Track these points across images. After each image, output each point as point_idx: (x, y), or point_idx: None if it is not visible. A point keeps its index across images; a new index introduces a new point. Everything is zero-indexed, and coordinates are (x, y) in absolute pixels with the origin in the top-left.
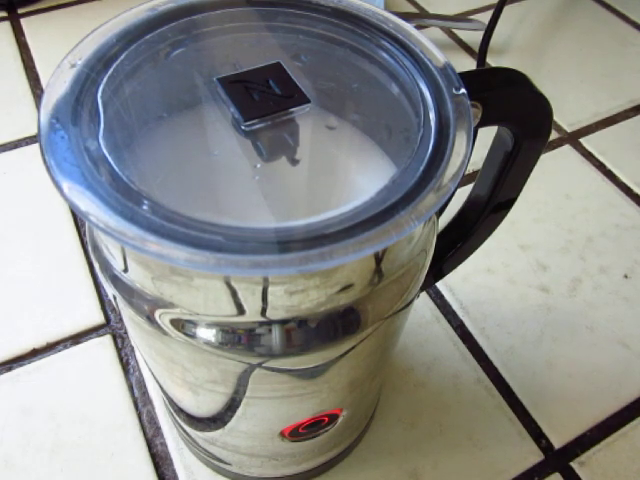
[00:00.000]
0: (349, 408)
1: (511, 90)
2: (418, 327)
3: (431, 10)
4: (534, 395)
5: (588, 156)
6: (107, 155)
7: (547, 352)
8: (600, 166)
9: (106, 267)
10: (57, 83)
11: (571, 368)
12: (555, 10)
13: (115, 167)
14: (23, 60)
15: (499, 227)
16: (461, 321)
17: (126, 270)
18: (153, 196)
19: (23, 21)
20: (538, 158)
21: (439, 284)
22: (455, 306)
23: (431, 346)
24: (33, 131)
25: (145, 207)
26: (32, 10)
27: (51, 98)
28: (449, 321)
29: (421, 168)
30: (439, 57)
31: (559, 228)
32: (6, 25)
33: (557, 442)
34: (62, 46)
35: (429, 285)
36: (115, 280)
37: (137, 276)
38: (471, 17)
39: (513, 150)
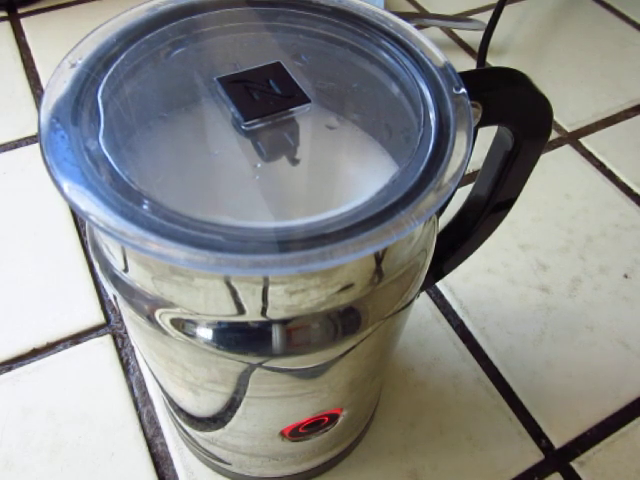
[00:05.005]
0: (349, 408)
1: (511, 90)
2: (418, 327)
3: (431, 10)
4: (534, 395)
5: (588, 156)
6: (107, 155)
7: (547, 352)
8: (600, 166)
9: (106, 267)
10: (57, 83)
11: (571, 368)
12: (555, 10)
13: (115, 167)
14: (23, 60)
15: (499, 227)
16: (461, 321)
17: (126, 270)
18: (153, 196)
19: (23, 21)
20: (538, 158)
21: (439, 284)
22: (455, 306)
23: (431, 346)
24: (33, 131)
25: (145, 207)
26: (32, 10)
27: (51, 98)
28: (449, 321)
29: (421, 168)
30: (439, 57)
31: (559, 228)
32: (6, 25)
33: (557, 442)
34: (62, 46)
35: (429, 285)
36: (115, 280)
37: (137, 276)
38: (471, 17)
39: (513, 150)
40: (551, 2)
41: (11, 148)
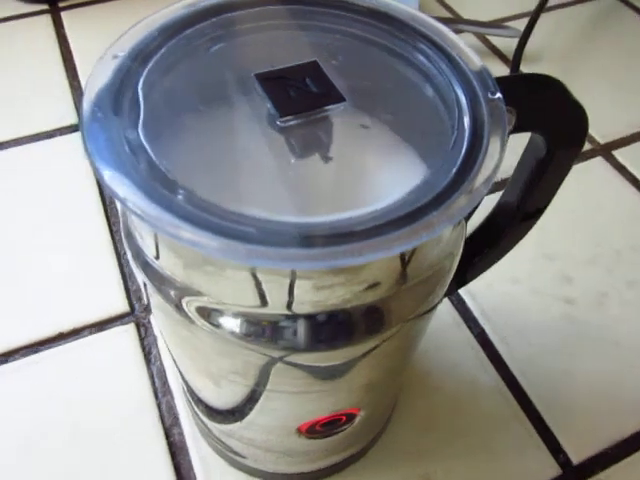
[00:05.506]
0: (367, 408)
1: (547, 96)
2: (438, 332)
3: (465, 16)
4: (554, 407)
5: (620, 169)
6: (146, 145)
7: (569, 364)
8: (632, 180)
9: (138, 254)
10: (100, 73)
11: (593, 382)
12: (592, 19)
13: (153, 156)
14: (62, 52)
15: (525, 236)
16: (482, 328)
17: (158, 257)
18: (188, 186)
19: (63, 14)
20: (570, 167)
21: (461, 290)
22: (476, 313)
23: (450, 351)
24: (68, 122)
25: (181, 196)
26: (72, 4)
27: (93, 88)
28: (469, 327)
29: (454, 170)
30: (475, 61)
31: (587, 240)
32: (47, 18)
33: (575, 458)
34: (100, 40)
35: (452, 292)
36: (146, 267)
37: (168, 264)
38: (505, 24)
39: (546, 158)
40: (588, 11)
41: (46, 138)
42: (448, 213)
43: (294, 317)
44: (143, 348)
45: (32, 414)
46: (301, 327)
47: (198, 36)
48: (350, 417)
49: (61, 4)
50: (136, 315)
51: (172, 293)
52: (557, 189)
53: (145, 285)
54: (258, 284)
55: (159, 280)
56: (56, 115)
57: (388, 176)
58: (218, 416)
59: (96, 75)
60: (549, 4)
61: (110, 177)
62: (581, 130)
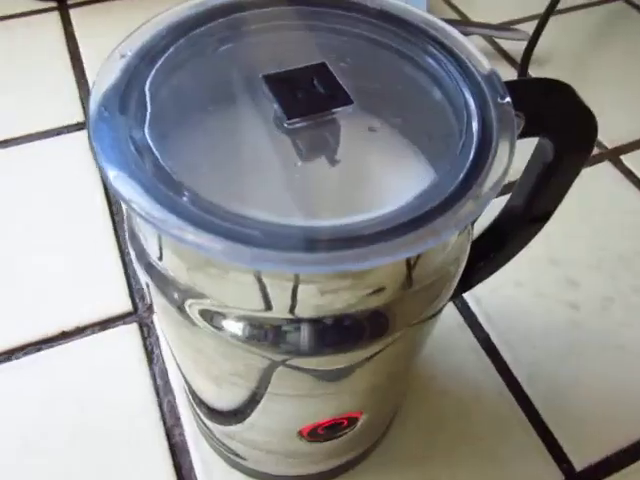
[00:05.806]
0: (369, 412)
1: (555, 101)
2: (442, 335)
3: (474, 18)
4: (557, 413)
5: (628, 174)
6: (151, 145)
7: (573, 369)
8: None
9: (142, 255)
10: (107, 73)
11: (597, 387)
12: (601, 23)
13: (159, 157)
14: (69, 50)
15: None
16: (486, 332)
17: (161, 259)
18: (194, 188)
19: (72, 12)
20: (579, 172)
21: (466, 294)
22: (481, 317)
23: (454, 356)
24: (75, 120)
25: (185, 198)
26: (81, 1)
27: (101, 87)
28: (474, 332)
29: (461, 175)
30: (485, 64)
31: (592, 245)
32: (55, 15)
33: (579, 464)
34: (107, 38)
35: (456, 296)
36: (150, 268)
37: (171, 265)
38: (514, 27)
39: (553, 162)
40: (597, 15)
41: (54, 135)
42: (455, 218)
43: (298, 321)
44: (146, 348)
45: (34, 412)
46: (305, 331)
47: (206, 36)
48: (352, 421)
49: (69, 1)
50: (139, 315)
51: (175, 295)
52: (565, 194)
53: (148, 286)
54: (262, 287)
55: (162, 282)
56: (63, 113)
57: (395, 180)
58: (220, 417)
59: (103, 74)
60: (558, 7)
61: (115, 177)
62: (590, 135)
